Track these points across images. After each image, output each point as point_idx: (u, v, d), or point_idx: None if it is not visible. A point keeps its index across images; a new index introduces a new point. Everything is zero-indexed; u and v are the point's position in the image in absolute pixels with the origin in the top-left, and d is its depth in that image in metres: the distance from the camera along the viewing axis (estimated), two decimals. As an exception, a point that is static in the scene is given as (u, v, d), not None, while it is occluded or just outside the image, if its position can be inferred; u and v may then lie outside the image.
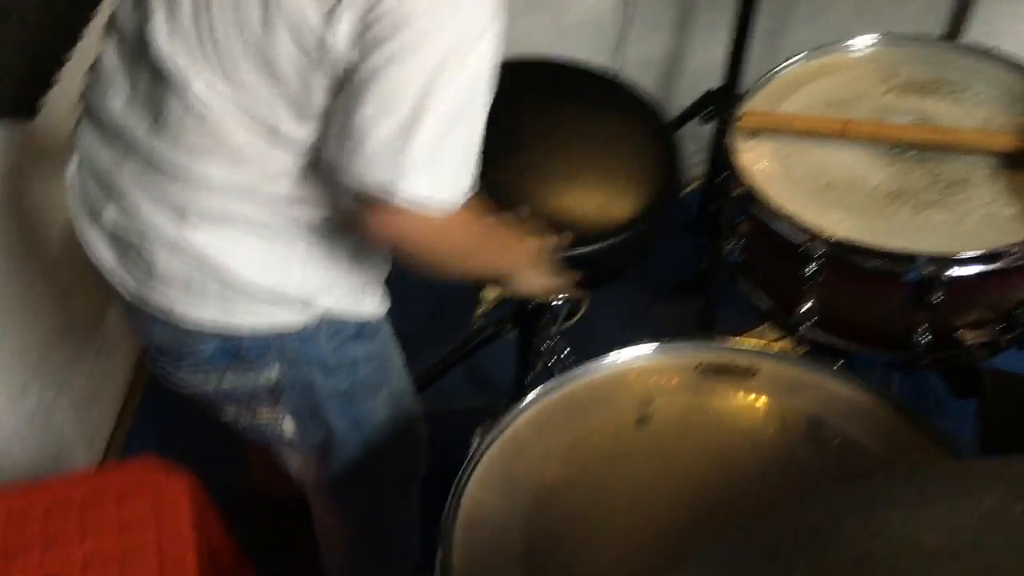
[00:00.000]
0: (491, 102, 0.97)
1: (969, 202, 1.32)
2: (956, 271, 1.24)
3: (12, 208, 1.58)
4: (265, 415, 1.18)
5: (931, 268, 1.24)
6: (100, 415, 1.94)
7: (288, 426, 1.19)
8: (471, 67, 0.93)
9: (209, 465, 1.33)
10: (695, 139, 2.21)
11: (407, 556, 1.49)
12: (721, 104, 1.97)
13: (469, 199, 0.99)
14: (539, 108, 1.52)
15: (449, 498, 1.04)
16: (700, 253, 2.14)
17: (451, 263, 1.08)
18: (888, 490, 0.72)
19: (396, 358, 1.27)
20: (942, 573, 0.62)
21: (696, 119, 2.05)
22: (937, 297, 1.25)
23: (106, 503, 1.20)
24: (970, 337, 1.33)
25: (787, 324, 1.40)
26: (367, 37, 0.91)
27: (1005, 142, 1.35)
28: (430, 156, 0.93)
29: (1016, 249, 1.25)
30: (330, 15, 0.91)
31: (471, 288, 2.09)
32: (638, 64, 2.17)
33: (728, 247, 1.46)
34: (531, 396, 1.12)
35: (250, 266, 1.04)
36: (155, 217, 1.03)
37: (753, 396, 1.13)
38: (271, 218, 1.04)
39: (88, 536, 1.17)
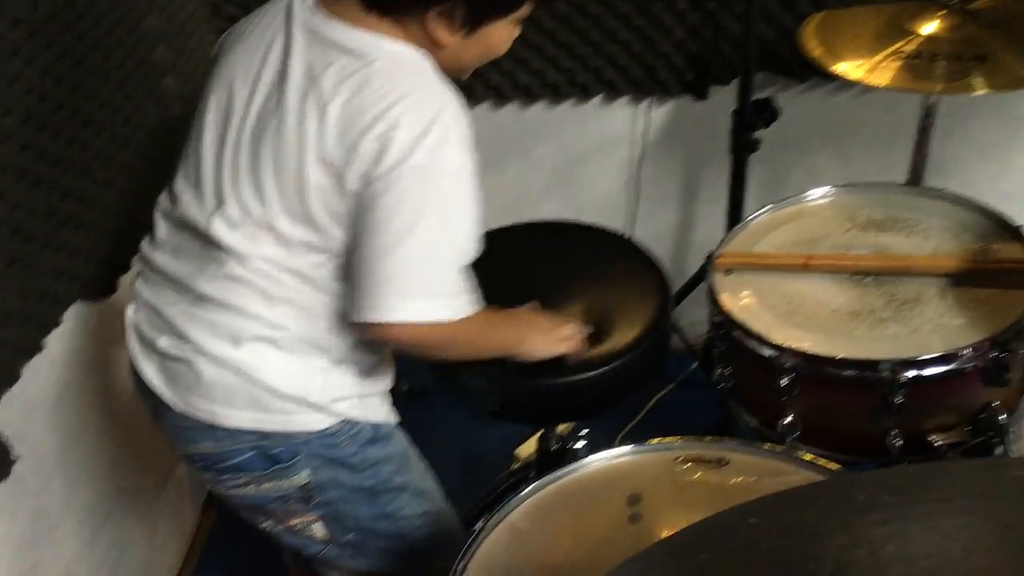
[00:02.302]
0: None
1: (922, 316, 1.47)
2: (914, 372, 1.38)
3: (89, 377, 1.81)
4: (297, 521, 1.34)
5: (891, 372, 1.38)
6: None
7: (319, 529, 1.35)
8: (451, 206, 1.19)
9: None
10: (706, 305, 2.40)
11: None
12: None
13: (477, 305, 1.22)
14: (550, 259, 1.74)
15: (451, 579, 1.16)
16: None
17: (465, 355, 1.34)
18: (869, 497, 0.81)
19: (416, 461, 1.45)
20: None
21: (703, 283, 2.25)
22: (900, 399, 1.38)
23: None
24: (940, 439, 1.44)
25: (774, 440, 1.53)
26: (366, 194, 1.16)
27: (951, 264, 1.52)
28: (422, 284, 1.19)
29: (967, 351, 1.38)
30: (340, 181, 1.17)
31: (506, 445, 2.26)
32: (650, 238, 2.39)
33: (717, 374, 1.62)
34: (528, 489, 1.26)
35: (281, 377, 1.27)
36: (204, 342, 1.26)
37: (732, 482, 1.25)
38: (299, 342, 1.28)
39: None
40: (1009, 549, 0.68)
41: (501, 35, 1.28)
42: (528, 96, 2.25)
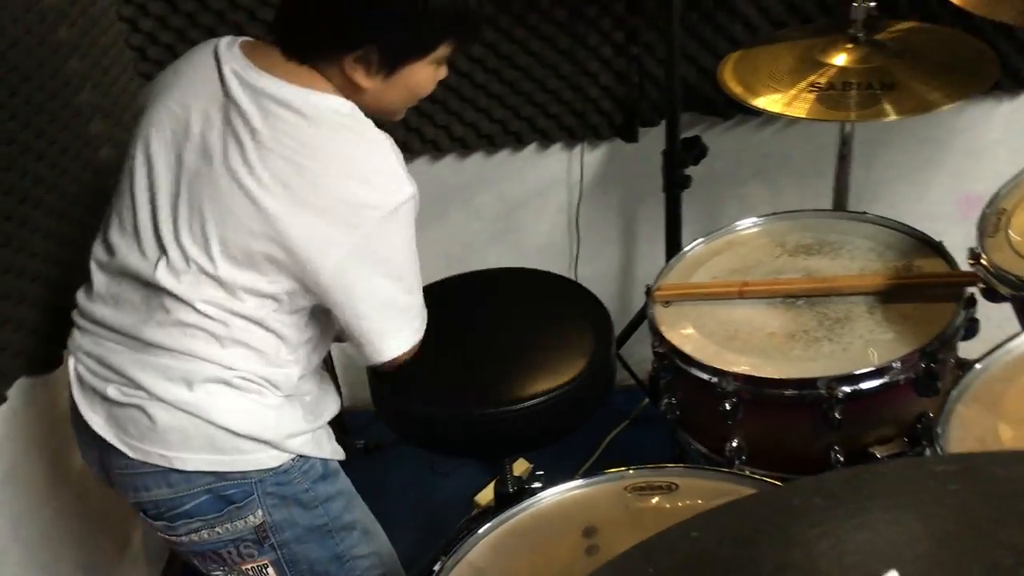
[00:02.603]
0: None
1: (853, 333, 1.53)
2: (850, 387, 1.43)
3: (39, 452, 1.79)
4: (251, 565, 1.35)
5: (827, 388, 1.43)
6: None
7: (272, 575, 1.35)
8: (406, 245, 1.29)
9: None
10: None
11: None
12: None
13: None
14: (496, 305, 1.79)
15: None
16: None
17: None
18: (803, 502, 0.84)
19: (360, 500, 1.48)
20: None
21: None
22: (839, 414, 1.43)
23: None
24: (880, 451, 1.49)
25: (723, 465, 1.56)
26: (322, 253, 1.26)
27: (877, 282, 1.59)
28: (392, 327, 1.33)
29: (897, 364, 1.44)
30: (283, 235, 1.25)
31: (464, 494, 2.27)
32: (593, 278, 2.45)
33: (664, 404, 1.66)
34: (484, 527, 1.28)
35: (236, 417, 1.29)
36: (156, 387, 1.28)
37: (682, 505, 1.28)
38: (251, 381, 1.30)
39: None
40: (933, 539, 0.72)
41: (422, 76, 1.32)
42: (464, 147, 2.30)
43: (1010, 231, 1.42)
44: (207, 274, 1.26)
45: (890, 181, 2.35)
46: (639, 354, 2.31)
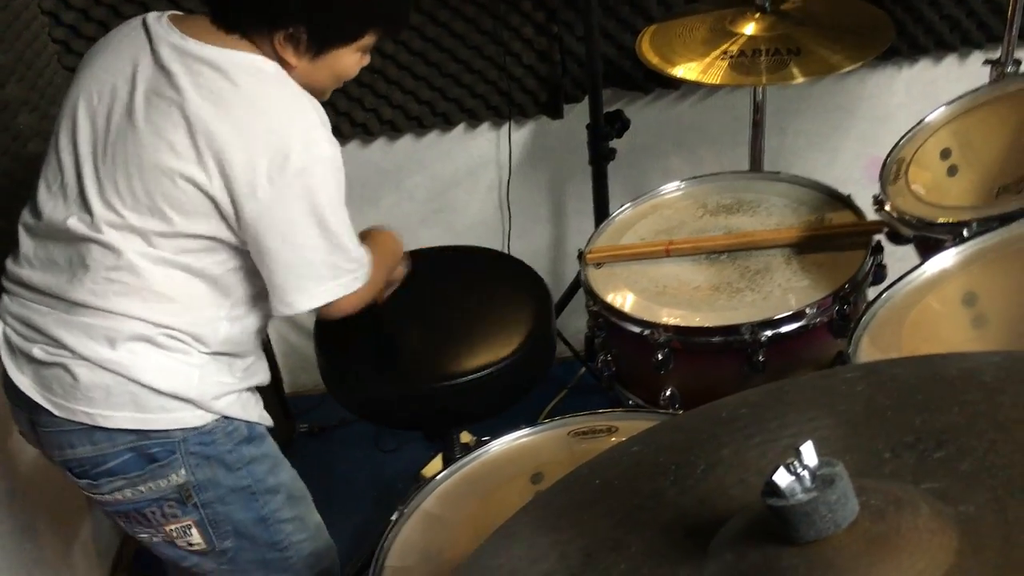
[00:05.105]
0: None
1: (772, 282, 1.63)
2: (771, 332, 1.53)
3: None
4: (174, 526, 1.38)
5: (751, 333, 1.53)
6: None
7: (196, 537, 1.40)
8: (336, 193, 1.32)
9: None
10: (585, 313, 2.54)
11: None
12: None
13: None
14: (434, 281, 1.84)
15: (372, 567, 1.23)
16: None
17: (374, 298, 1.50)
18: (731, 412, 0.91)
19: (289, 467, 1.51)
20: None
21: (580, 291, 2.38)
22: (762, 356, 1.53)
23: None
24: (803, 391, 1.59)
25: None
26: (250, 203, 1.28)
27: (791, 235, 1.69)
28: (321, 276, 1.34)
29: (813, 308, 1.54)
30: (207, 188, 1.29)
31: (411, 469, 2.32)
32: (526, 253, 2.51)
33: (600, 361, 1.74)
34: (438, 478, 1.35)
35: (159, 375, 1.32)
36: (80, 346, 1.31)
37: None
38: (174, 339, 1.33)
39: None
40: (846, 426, 0.81)
41: (347, 61, 1.38)
42: (394, 130, 2.36)
43: (908, 178, 1.53)
44: (131, 227, 1.29)
45: (802, 148, 2.47)
46: (574, 325, 2.38)
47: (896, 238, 1.52)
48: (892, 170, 1.56)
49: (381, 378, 1.65)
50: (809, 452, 0.66)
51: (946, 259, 1.32)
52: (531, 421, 2.50)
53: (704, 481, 0.81)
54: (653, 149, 2.46)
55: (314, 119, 1.31)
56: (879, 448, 0.76)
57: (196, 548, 1.42)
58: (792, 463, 0.65)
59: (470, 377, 1.61)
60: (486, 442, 1.99)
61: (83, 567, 2.10)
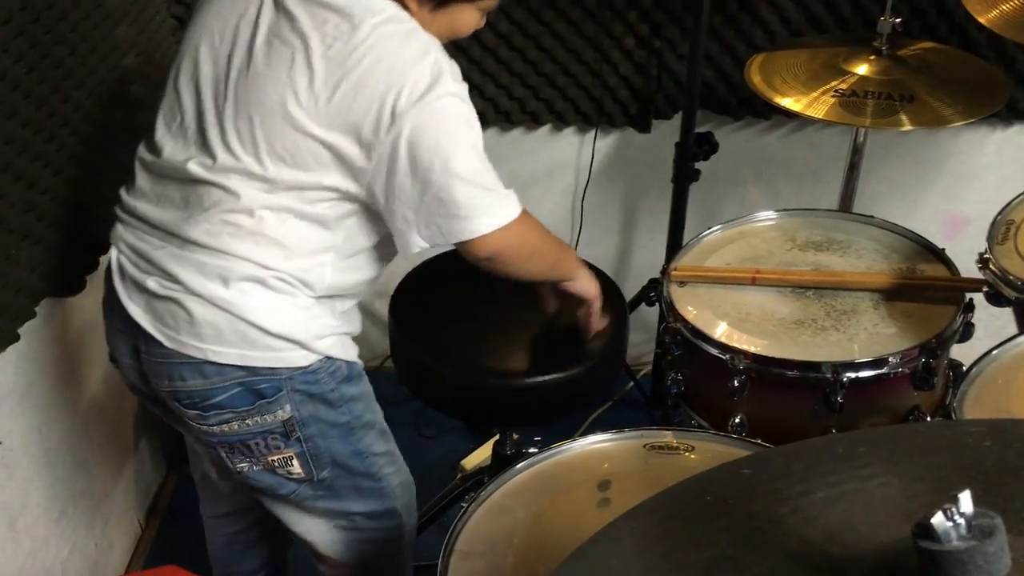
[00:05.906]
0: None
1: (859, 325, 1.62)
2: (851, 374, 1.52)
3: (55, 373, 1.82)
4: (277, 457, 1.41)
5: (832, 373, 1.52)
6: None
7: (296, 467, 1.43)
8: (470, 121, 1.33)
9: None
10: (645, 329, 2.54)
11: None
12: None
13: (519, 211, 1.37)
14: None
15: (443, 550, 1.24)
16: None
17: (533, 261, 1.47)
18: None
19: (378, 406, 1.55)
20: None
21: (643, 304, 2.38)
22: (840, 398, 1.52)
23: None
24: (874, 437, 1.58)
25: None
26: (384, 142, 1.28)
27: (882, 281, 1.68)
28: (473, 202, 1.32)
29: (897, 357, 1.53)
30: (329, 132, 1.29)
31: (448, 459, 2.32)
32: (591, 263, 2.52)
33: (669, 379, 1.73)
34: (513, 469, 1.35)
35: (269, 315, 1.34)
36: (194, 282, 1.33)
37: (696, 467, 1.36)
38: (284, 281, 1.35)
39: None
40: (975, 485, 0.80)
41: (466, 19, 1.39)
42: (482, 122, 2.34)
43: (1018, 240, 1.52)
44: (250, 173, 1.30)
45: (883, 195, 2.46)
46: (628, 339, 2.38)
47: (996, 299, 1.51)
48: (1001, 230, 1.55)
49: (459, 365, 1.65)
50: (967, 500, 0.66)
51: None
52: (571, 429, 2.55)
53: (827, 515, 0.81)
54: (732, 176, 2.46)
55: (441, 62, 1.30)
56: (1018, 507, 0.75)
57: (295, 476, 1.45)
58: (949, 509, 0.65)
59: (542, 379, 1.61)
60: (537, 443, 2.00)
61: (122, 504, 2.13)
